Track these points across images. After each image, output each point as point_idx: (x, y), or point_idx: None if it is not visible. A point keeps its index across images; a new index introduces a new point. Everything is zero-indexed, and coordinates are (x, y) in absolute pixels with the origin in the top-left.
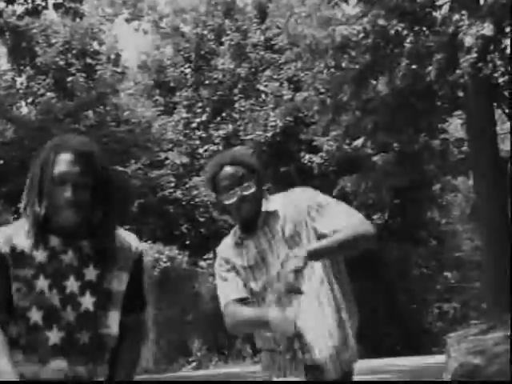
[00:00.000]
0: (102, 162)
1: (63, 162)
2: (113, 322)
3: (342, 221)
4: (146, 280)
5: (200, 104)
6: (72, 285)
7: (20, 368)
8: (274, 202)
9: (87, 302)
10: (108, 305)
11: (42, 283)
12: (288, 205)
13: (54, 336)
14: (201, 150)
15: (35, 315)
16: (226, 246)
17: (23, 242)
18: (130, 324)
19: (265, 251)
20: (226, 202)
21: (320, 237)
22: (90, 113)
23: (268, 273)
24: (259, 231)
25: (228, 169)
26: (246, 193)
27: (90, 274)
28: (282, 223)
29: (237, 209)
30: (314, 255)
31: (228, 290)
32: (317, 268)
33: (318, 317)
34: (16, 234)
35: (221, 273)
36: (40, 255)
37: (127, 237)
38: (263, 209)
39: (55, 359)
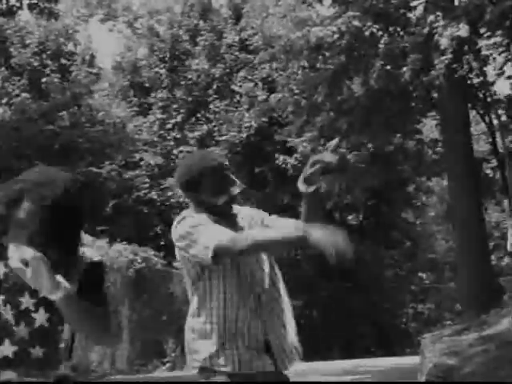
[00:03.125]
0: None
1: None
2: (67, 334)
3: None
4: (103, 285)
5: (175, 105)
6: (27, 301)
7: None
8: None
9: (41, 318)
10: (62, 319)
11: None
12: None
13: (6, 349)
14: (175, 151)
15: None
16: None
17: None
18: None
19: None
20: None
21: None
22: (65, 113)
23: None
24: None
25: None
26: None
27: None
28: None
29: None
30: None
31: (219, 226)
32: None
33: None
34: None
35: (202, 221)
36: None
37: (86, 252)
38: None
39: (6, 370)
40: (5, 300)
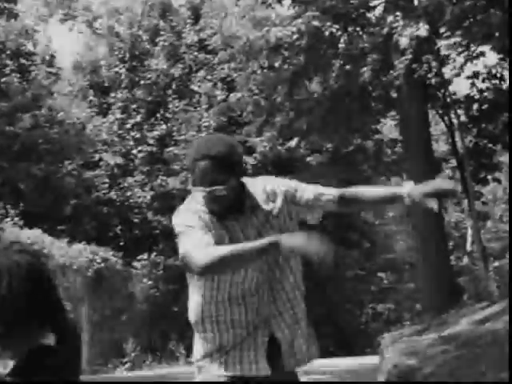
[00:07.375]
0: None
1: None
2: None
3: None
4: None
5: (134, 105)
6: None
7: None
8: (256, 188)
9: None
10: None
11: None
12: (270, 193)
13: None
14: (135, 151)
15: None
16: (202, 211)
17: None
18: None
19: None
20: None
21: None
22: (25, 115)
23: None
24: (245, 217)
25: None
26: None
27: None
28: (267, 212)
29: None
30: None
31: (200, 234)
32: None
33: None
34: None
35: (189, 222)
36: None
37: None
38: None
39: None
40: None
